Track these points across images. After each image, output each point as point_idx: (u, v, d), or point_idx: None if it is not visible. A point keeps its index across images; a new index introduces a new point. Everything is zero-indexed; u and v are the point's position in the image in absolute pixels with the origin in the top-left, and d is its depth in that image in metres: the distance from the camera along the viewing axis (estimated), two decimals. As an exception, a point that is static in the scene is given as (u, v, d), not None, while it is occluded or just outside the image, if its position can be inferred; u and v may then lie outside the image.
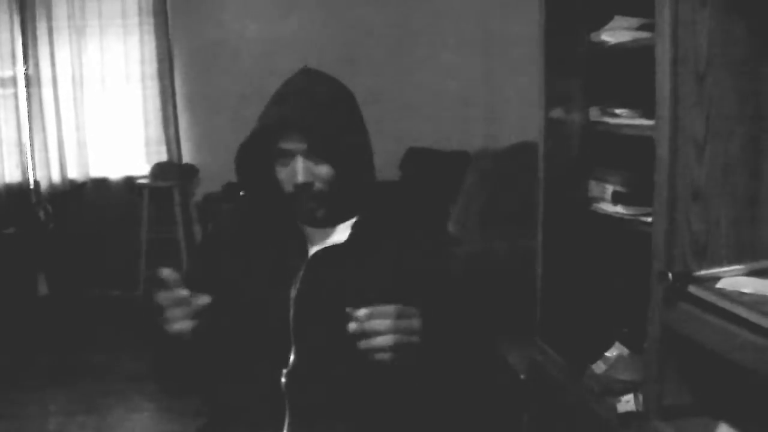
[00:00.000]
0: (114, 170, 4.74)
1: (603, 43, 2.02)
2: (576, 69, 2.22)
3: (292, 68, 1.39)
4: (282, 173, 1.32)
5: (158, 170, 4.60)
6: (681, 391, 1.63)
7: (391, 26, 4.70)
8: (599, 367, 2.02)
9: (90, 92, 4.64)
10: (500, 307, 2.70)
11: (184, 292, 1.19)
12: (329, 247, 1.36)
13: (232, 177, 1.37)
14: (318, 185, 1.31)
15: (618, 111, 2.01)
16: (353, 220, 1.38)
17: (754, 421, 1.50)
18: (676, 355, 1.61)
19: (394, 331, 1.13)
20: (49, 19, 4.52)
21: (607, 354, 2.03)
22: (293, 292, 1.33)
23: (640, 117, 1.90)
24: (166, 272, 1.19)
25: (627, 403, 1.87)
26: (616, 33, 1.97)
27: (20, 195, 4.60)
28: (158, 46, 4.60)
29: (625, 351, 2.00)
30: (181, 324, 1.19)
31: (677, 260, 1.59)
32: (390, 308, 1.14)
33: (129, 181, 4.70)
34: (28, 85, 4.58)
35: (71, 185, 4.67)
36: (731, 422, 1.53)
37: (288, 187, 1.32)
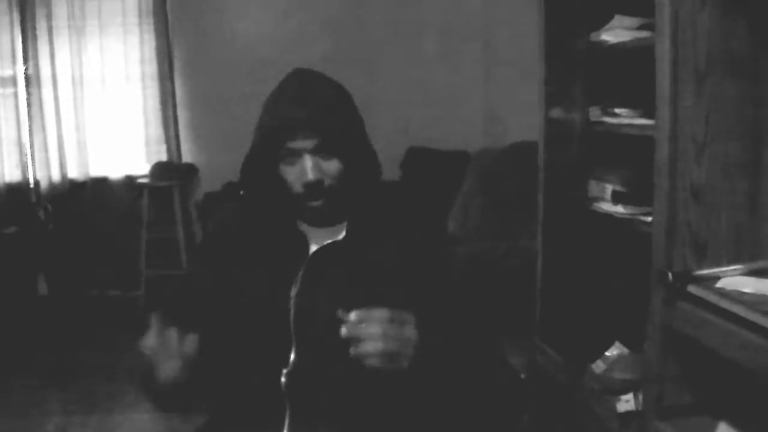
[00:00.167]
0: (114, 170, 4.74)
1: (603, 42, 2.02)
2: (576, 69, 2.22)
3: (292, 68, 1.40)
4: (289, 173, 1.32)
5: (158, 170, 4.60)
6: (681, 390, 1.63)
7: (391, 26, 4.70)
8: (599, 367, 2.02)
9: (90, 92, 4.64)
10: (500, 307, 2.70)
11: (172, 335, 1.19)
12: (329, 244, 1.36)
13: (232, 176, 1.38)
14: (328, 182, 1.31)
15: (618, 111, 2.01)
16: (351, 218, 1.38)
17: (754, 421, 1.50)
18: (675, 355, 1.61)
19: (385, 336, 1.10)
20: (49, 18, 4.52)
21: (607, 353, 2.03)
22: (293, 291, 1.33)
23: (640, 117, 1.90)
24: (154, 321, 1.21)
25: (627, 402, 1.87)
26: (616, 32, 1.97)
27: (20, 194, 4.60)
28: (158, 46, 4.60)
29: (625, 350, 2.00)
30: (169, 369, 1.20)
31: (677, 260, 1.59)
32: (382, 313, 1.11)
33: (129, 181, 4.70)
34: (28, 85, 4.58)
35: (71, 185, 4.67)
36: (731, 422, 1.53)
37: (297, 187, 1.31)
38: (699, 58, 1.55)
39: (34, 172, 4.65)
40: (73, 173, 4.68)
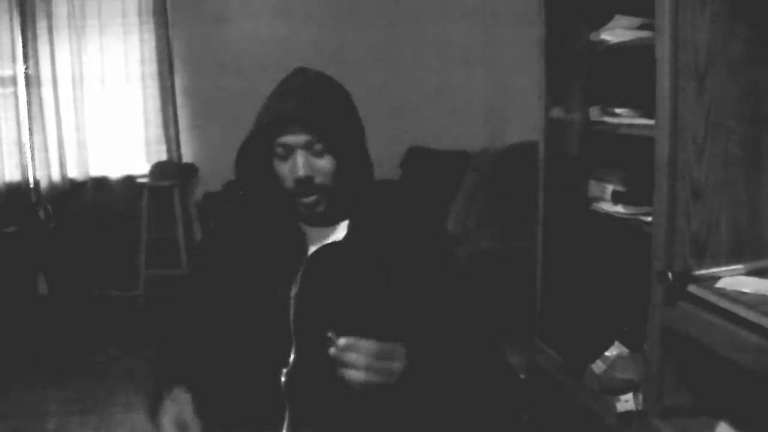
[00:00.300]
0: (114, 169, 4.73)
1: (603, 42, 2.02)
2: (576, 68, 2.22)
3: (291, 68, 1.40)
4: (282, 169, 1.32)
5: (158, 169, 4.60)
6: (681, 390, 1.63)
7: (391, 26, 4.70)
8: (599, 367, 2.02)
9: (90, 91, 4.63)
10: (500, 306, 2.70)
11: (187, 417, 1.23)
12: (328, 244, 1.36)
13: (232, 176, 1.37)
14: (319, 179, 1.31)
15: (618, 110, 2.01)
16: (351, 218, 1.38)
17: (754, 421, 1.50)
18: (675, 355, 1.62)
19: (368, 369, 1.14)
20: (49, 18, 4.51)
21: (606, 353, 2.03)
22: (293, 291, 1.33)
23: (640, 116, 1.90)
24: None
25: (627, 402, 1.87)
26: (617, 32, 1.97)
27: (20, 194, 4.59)
28: (158, 46, 4.60)
29: (625, 350, 2.00)
30: None
31: (677, 260, 1.59)
32: (370, 345, 1.15)
33: (129, 181, 4.69)
34: (28, 85, 4.57)
35: (71, 184, 4.67)
36: (731, 422, 1.53)
37: (288, 183, 1.32)
38: (699, 58, 1.55)
39: (34, 171, 4.65)
40: (73, 173, 4.67)
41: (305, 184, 1.30)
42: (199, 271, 1.49)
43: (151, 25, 4.57)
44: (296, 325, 1.31)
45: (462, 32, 4.73)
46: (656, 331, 1.63)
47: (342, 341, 1.14)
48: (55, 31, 4.53)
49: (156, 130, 4.69)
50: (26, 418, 3.07)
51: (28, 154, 4.62)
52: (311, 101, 1.30)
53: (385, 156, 4.49)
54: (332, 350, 1.15)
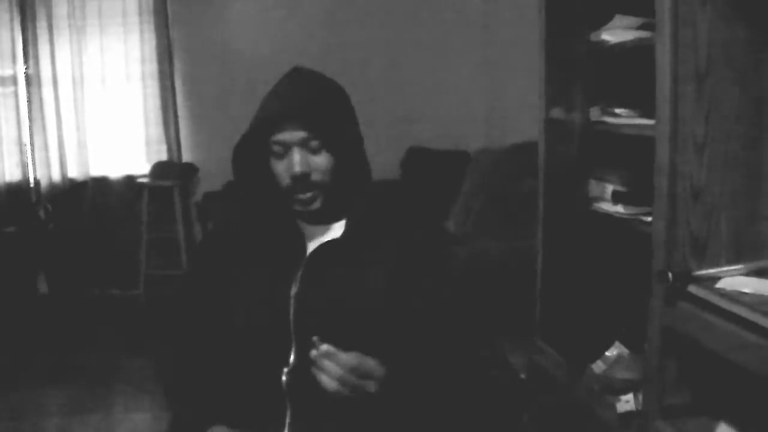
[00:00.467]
0: (114, 169, 4.73)
1: (603, 42, 2.02)
2: (576, 68, 2.22)
3: (307, 68, 1.40)
4: (278, 167, 1.33)
5: (158, 169, 4.60)
6: (681, 390, 1.63)
7: (391, 26, 4.70)
8: (599, 367, 2.03)
9: (90, 91, 4.63)
10: (500, 306, 2.70)
11: None
12: (327, 243, 1.36)
13: (232, 176, 1.38)
14: (315, 176, 1.31)
15: (618, 111, 2.01)
16: (349, 216, 1.38)
17: (754, 421, 1.50)
18: (675, 355, 1.62)
19: (340, 380, 1.17)
20: (50, 18, 4.51)
21: (607, 353, 2.03)
22: (293, 290, 1.33)
23: (641, 117, 1.90)
24: None
25: (627, 402, 1.87)
26: (617, 32, 1.97)
27: (20, 194, 4.60)
28: (158, 46, 4.60)
29: (625, 350, 2.00)
30: None
31: (677, 260, 1.59)
32: (349, 360, 1.18)
33: (129, 180, 4.70)
34: (28, 84, 4.58)
35: (71, 184, 4.67)
36: (731, 422, 1.53)
37: (285, 181, 1.32)
38: (699, 58, 1.55)
39: (35, 171, 4.65)
40: (74, 173, 4.68)
41: (301, 180, 1.30)
42: (199, 272, 1.49)
43: (152, 25, 4.58)
44: (296, 325, 1.31)
45: (462, 32, 4.73)
46: (656, 331, 1.63)
47: (323, 348, 1.18)
48: (55, 31, 4.53)
49: (156, 129, 4.69)
50: (27, 417, 3.07)
51: (29, 154, 4.63)
52: (306, 98, 1.31)
53: (385, 156, 4.50)
54: (313, 353, 1.18)
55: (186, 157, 4.77)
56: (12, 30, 4.50)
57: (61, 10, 4.52)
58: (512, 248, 3.16)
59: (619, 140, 2.01)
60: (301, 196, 1.33)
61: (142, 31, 4.59)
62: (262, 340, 1.32)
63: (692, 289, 1.50)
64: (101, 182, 4.71)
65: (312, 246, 1.37)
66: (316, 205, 1.34)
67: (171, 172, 4.60)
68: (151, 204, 4.54)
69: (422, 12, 4.71)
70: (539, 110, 2.30)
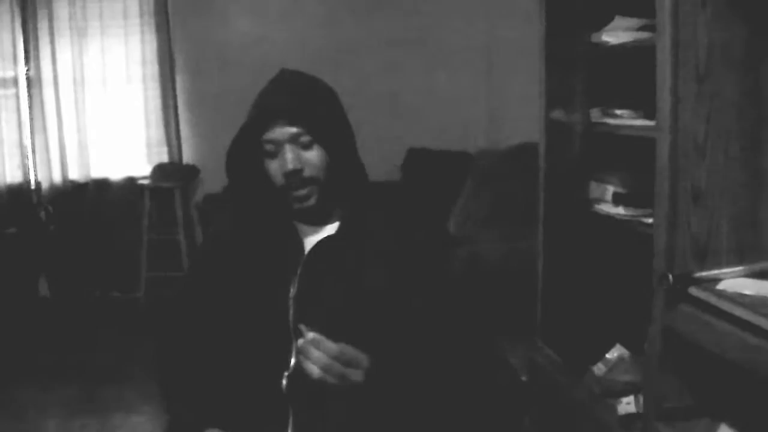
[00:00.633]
0: (115, 171, 4.73)
1: (604, 43, 2.02)
2: (577, 70, 2.22)
3: (293, 69, 1.40)
4: (272, 167, 1.33)
5: (159, 171, 4.60)
6: (681, 392, 1.62)
7: (392, 27, 4.70)
8: (600, 369, 2.02)
9: (91, 93, 4.64)
10: (501, 308, 2.70)
11: None
12: (323, 241, 1.36)
13: (227, 180, 1.38)
14: (308, 172, 1.31)
15: (619, 112, 2.00)
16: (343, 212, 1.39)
17: (755, 423, 1.49)
18: (676, 357, 1.61)
19: (325, 368, 1.18)
20: (51, 20, 4.52)
21: (607, 355, 2.03)
22: (292, 292, 1.33)
23: (641, 118, 1.90)
24: None
25: (627, 404, 1.87)
26: (617, 33, 1.96)
27: (21, 196, 4.60)
28: (159, 47, 4.61)
29: (626, 352, 2.00)
30: None
31: (678, 262, 1.59)
32: (333, 347, 1.18)
33: (130, 182, 4.70)
34: (29, 86, 4.58)
35: (72, 186, 4.67)
36: (732, 424, 1.53)
37: (279, 179, 1.33)
38: (699, 59, 1.54)
39: (36, 173, 4.65)
40: (75, 174, 4.68)
41: (295, 176, 1.31)
42: (198, 275, 1.49)
43: (153, 27, 4.58)
44: (296, 327, 1.30)
45: (463, 33, 4.72)
46: (657, 332, 1.63)
47: (309, 335, 1.18)
48: (56, 33, 4.54)
49: (157, 131, 4.70)
50: (28, 419, 3.07)
51: (30, 156, 4.63)
52: (294, 94, 1.32)
53: (386, 157, 4.51)
54: (300, 342, 1.19)
55: (187, 158, 4.77)
56: (13, 32, 4.50)
57: (62, 12, 4.53)
58: (513, 250, 3.16)
59: (619, 141, 2.00)
60: (296, 193, 1.33)
61: (143, 33, 4.59)
62: (262, 344, 1.32)
63: (693, 290, 1.49)
64: (102, 184, 4.72)
65: (309, 247, 1.37)
66: (312, 201, 1.34)
67: (172, 174, 4.60)
68: (152, 206, 4.54)
69: (423, 13, 4.70)
70: (540, 111, 2.29)
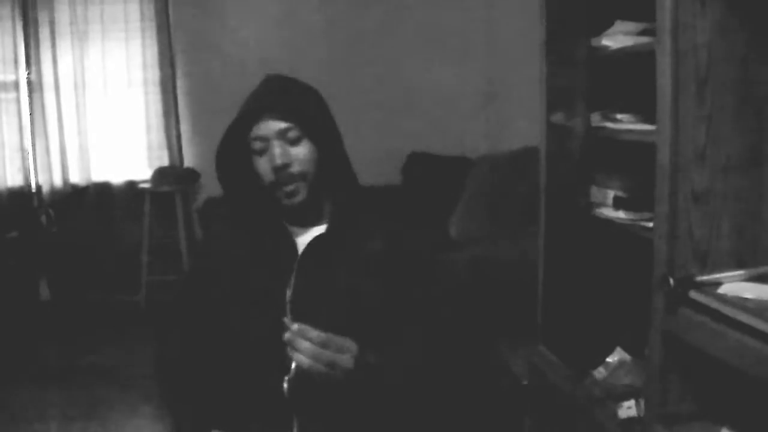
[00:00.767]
0: (116, 175, 4.74)
1: (604, 48, 2.02)
2: (577, 74, 2.22)
3: (294, 73, 1.42)
4: (261, 165, 1.34)
5: (160, 175, 4.60)
6: (683, 397, 1.62)
7: (391, 31, 4.70)
8: (600, 373, 2.02)
9: (92, 97, 4.65)
10: (502, 312, 2.70)
11: None
12: (316, 239, 1.37)
13: (219, 183, 1.39)
14: (296, 167, 1.32)
15: (619, 116, 2.00)
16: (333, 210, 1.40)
17: (756, 427, 1.49)
18: (677, 361, 1.61)
19: (314, 357, 1.19)
20: (52, 23, 4.53)
21: (608, 359, 2.02)
22: (288, 295, 1.33)
23: (642, 122, 1.90)
24: None
25: (628, 408, 1.86)
26: (618, 38, 1.97)
27: (22, 199, 4.61)
28: (160, 51, 4.62)
29: (627, 356, 2.00)
30: None
31: (679, 265, 1.58)
32: (319, 335, 1.19)
33: (131, 186, 4.70)
34: (30, 90, 4.59)
35: (73, 189, 4.68)
36: (733, 428, 1.53)
37: (268, 176, 1.33)
38: (700, 63, 1.55)
39: (37, 177, 4.66)
40: (75, 178, 4.69)
41: (283, 171, 1.31)
42: (196, 278, 1.50)
43: (154, 31, 4.59)
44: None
45: (463, 37, 4.73)
46: (658, 336, 1.63)
47: (294, 327, 1.19)
48: (57, 37, 4.55)
49: (158, 135, 4.70)
50: (28, 422, 3.07)
51: (31, 160, 4.64)
52: (282, 93, 1.35)
53: (386, 161, 4.51)
54: (286, 335, 1.19)
55: (187, 162, 4.77)
56: (14, 35, 4.51)
57: (63, 16, 4.54)
58: (513, 254, 3.16)
59: (620, 146, 2.00)
60: (285, 189, 1.33)
61: (144, 37, 4.60)
62: (262, 348, 1.32)
63: (694, 294, 1.49)
64: (103, 188, 4.72)
65: (302, 247, 1.38)
66: (300, 197, 1.34)
67: (172, 177, 4.60)
68: (153, 209, 4.55)
69: (423, 17, 4.71)
70: (540, 116, 2.29)
